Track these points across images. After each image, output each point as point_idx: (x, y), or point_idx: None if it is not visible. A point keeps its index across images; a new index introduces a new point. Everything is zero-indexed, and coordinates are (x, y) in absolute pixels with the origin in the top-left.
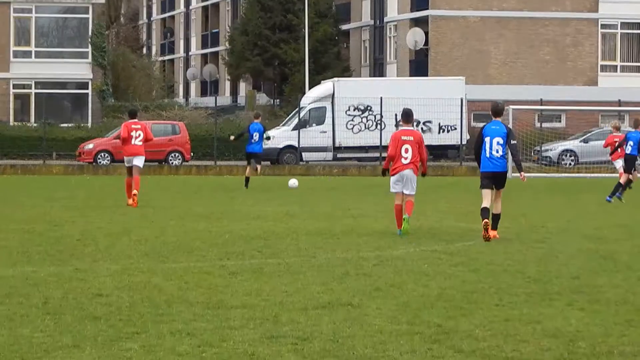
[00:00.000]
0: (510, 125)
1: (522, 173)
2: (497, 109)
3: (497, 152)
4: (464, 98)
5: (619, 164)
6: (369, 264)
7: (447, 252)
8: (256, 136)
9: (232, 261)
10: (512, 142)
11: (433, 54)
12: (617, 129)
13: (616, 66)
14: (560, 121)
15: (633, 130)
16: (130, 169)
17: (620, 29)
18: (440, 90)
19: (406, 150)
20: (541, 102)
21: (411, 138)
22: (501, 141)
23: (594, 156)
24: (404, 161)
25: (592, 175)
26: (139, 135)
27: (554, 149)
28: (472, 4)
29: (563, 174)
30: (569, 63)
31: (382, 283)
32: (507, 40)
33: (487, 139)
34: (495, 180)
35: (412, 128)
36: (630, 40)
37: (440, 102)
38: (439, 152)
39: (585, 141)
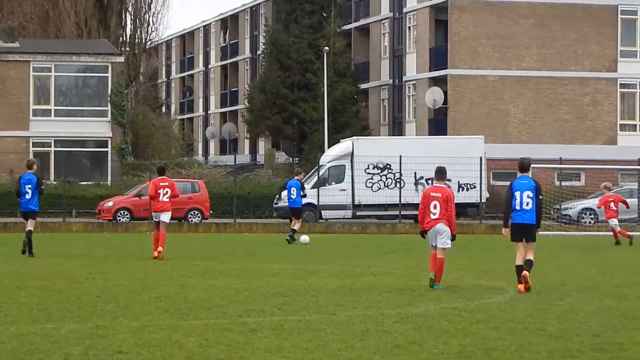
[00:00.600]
0: None
1: (539, 230)
2: (524, 165)
3: (528, 205)
4: (483, 157)
5: (614, 222)
6: (390, 321)
7: (467, 309)
8: (293, 191)
9: (252, 318)
10: (540, 197)
11: (452, 113)
12: (609, 189)
13: (635, 125)
14: (579, 180)
15: None
16: (157, 224)
17: None
18: (460, 148)
19: (435, 207)
20: (560, 161)
21: (439, 195)
22: (531, 194)
23: None
24: (432, 216)
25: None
26: (167, 192)
27: (574, 207)
28: (491, 64)
29: (582, 232)
30: (588, 122)
31: (403, 340)
32: (526, 99)
33: (517, 193)
34: (525, 231)
35: (442, 185)
36: None
37: (460, 161)
38: (458, 210)
39: None
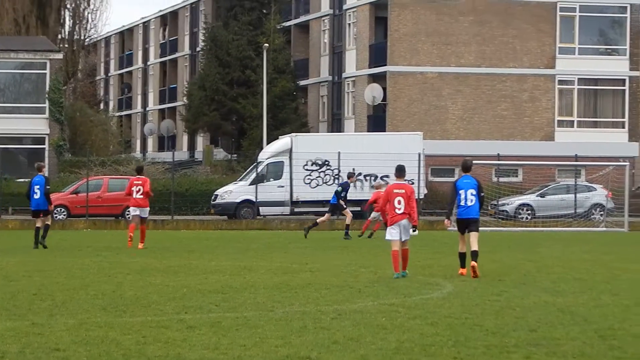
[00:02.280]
0: None
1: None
2: (467, 165)
3: (472, 201)
4: (421, 153)
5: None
6: (327, 318)
7: (405, 305)
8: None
9: (189, 315)
10: (482, 194)
11: (391, 110)
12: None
13: (573, 121)
14: (517, 176)
15: None
16: (134, 217)
17: (577, 84)
18: (398, 145)
19: (399, 202)
20: (498, 157)
21: (403, 191)
22: (474, 192)
23: (550, 210)
24: (397, 211)
25: (549, 229)
26: (139, 189)
27: (511, 203)
28: (430, 60)
29: (520, 228)
30: (526, 118)
31: (341, 336)
32: (464, 96)
33: (461, 191)
34: (469, 224)
35: (404, 182)
36: (587, 96)
37: (398, 157)
38: None
39: (542, 195)
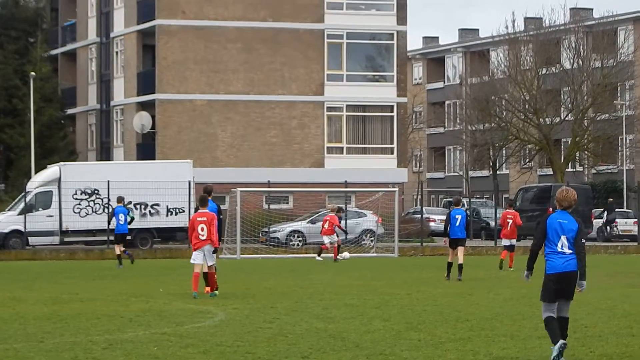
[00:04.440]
0: (238, 207)
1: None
2: (207, 190)
3: None
4: (191, 181)
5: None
6: (99, 348)
7: (176, 334)
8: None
9: None
10: (220, 216)
11: (160, 138)
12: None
13: (342, 148)
14: (287, 202)
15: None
16: None
17: (346, 111)
18: (168, 173)
19: (202, 229)
20: (269, 184)
21: (205, 219)
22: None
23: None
24: (201, 237)
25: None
26: None
27: (282, 229)
28: (199, 88)
29: (291, 255)
30: (296, 145)
31: None
32: (234, 123)
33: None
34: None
35: (207, 210)
36: (356, 123)
37: (169, 185)
38: (167, 234)
39: (313, 222)
